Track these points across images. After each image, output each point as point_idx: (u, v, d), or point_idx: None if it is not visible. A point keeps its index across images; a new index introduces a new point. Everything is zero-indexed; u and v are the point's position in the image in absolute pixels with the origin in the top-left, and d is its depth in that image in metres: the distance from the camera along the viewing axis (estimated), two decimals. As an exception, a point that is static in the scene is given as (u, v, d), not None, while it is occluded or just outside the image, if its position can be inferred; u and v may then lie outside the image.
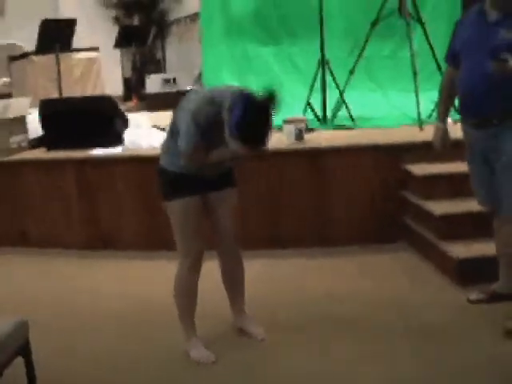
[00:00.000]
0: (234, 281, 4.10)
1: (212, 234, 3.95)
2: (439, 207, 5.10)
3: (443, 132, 4.27)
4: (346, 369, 3.67)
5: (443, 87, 4.29)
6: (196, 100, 3.60)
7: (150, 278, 5.21)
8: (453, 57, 4.12)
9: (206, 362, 3.82)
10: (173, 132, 3.69)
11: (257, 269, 4.93)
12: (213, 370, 3.77)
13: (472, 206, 4.77)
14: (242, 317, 4.15)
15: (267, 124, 3.43)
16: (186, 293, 3.88)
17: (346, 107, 6.64)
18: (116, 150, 5.94)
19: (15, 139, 6.31)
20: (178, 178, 3.71)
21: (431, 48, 6.69)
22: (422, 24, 6.66)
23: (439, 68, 6.75)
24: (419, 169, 5.41)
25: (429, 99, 6.74)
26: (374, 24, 6.67)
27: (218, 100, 3.55)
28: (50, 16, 9.55)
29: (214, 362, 3.82)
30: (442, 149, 4.30)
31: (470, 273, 4.64)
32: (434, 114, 6.58)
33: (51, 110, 6.38)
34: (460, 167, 5.33)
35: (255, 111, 3.40)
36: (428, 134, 5.76)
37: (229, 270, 4.07)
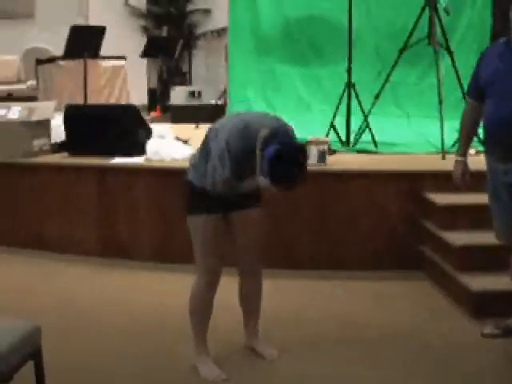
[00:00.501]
0: (250, 303, 4.05)
1: (233, 252, 3.92)
2: (459, 238, 5.06)
3: (463, 165, 4.25)
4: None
5: (464, 121, 4.28)
6: (231, 130, 3.57)
7: (160, 289, 5.19)
8: (476, 90, 4.09)
9: (217, 380, 3.76)
10: (204, 151, 3.68)
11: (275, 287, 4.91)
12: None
13: (492, 238, 4.74)
14: (254, 339, 4.10)
15: (300, 167, 3.45)
16: (201, 309, 3.85)
17: (370, 131, 6.62)
18: (137, 160, 5.94)
19: (38, 142, 6.32)
20: (204, 195, 3.68)
21: (458, 77, 6.67)
22: (451, 53, 6.64)
23: (464, 97, 6.73)
24: (440, 198, 5.37)
25: (453, 128, 6.70)
26: (402, 50, 6.66)
27: (253, 129, 3.54)
28: (79, 21, 9.62)
29: (224, 381, 3.76)
30: (461, 182, 4.28)
31: (486, 306, 4.60)
32: (458, 144, 6.58)
33: (75, 116, 6.41)
34: (481, 198, 5.28)
35: (289, 154, 3.40)
36: (450, 163, 5.74)
37: (246, 292, 4.03)
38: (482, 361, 4.06)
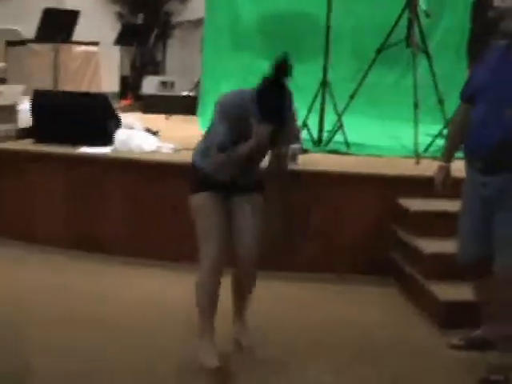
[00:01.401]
0: (241, 295, 4.08)
1: (232, 247, 3.89)
2: (429, 246, 4.98)
3: (446, 171, 4.07)
4: None
5: (454, 125, 4.12)
6: (225, 100, 3.70)
7: (128, 284, 5.07)
8: (470, 94, 3.91)
9: (208, 365, 3.76)
10: (207, 131, 3.80)
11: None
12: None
13: None
14: (237, 325, 4.13)
15: (281, 97, 3.57)
16: (207, 296, 3.81)
17: (343, 132, 6.52)
18: (105, 150, 5.79)
19: (2, 127, 6.15)
20: (205, 175, 3.76)
21: (435, 81, 6.61)
22: (429, 56, 6.58)
23: (440, 102, 6.69)
24: (413, 204, 5.29)
25: (427, 132, 6.67)
26: (379, 51, 6.58)
27: (247, 93, 3.63)
28: (55, 5, 9.41)
29: (216, 368, 3.75)
30: (443, 189, 4.17)
31: (454, 316, 4.52)
32: (431, 149, 6.51)
33: (44, 102, 6.24)
34: (456, 206, 5.24)
35: (268, 88, 3.53)
36: (424, 167, 5.71)
37: (240, 286, 4.05)
38: (447, 372, 4.00)
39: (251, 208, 3.87)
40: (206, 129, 3.88)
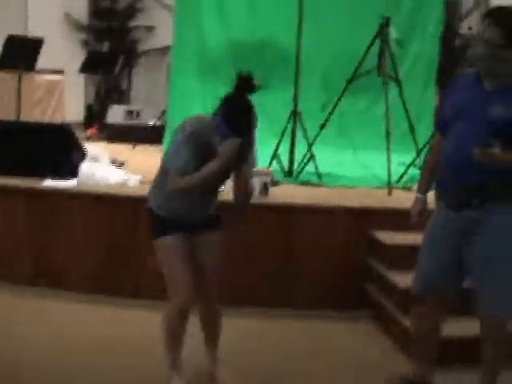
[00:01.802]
0: (210, 328, 4.05)
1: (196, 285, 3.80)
2: (403, 279, 4.84)
3: (422, 204, 3.93)
4: None
5: (430, 155, 3.98)
6: (193, 124, 3.61)
7: (87, 323, 4.87)
8: (444, 124, 3.78)
9: None
10: (163, 170, 3.69)
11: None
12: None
13: None
14: (210, 359, 4.09)
15: (248, 109, 3.51)
16: (175, 336, 3.79)
17: (314, 163, 6.39)
18: (70, 183, 5.59)
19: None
20: (164, 219, 3.71)
21: (405, 109, 6.55)
22: (400, 84, 6.51)
23: (412, 130, 6.63)
24: (386, 236, 5.17)
25: (399, 161, 6.59)
26: (350, 80, 6.51)
27: (211, 122, 3.56)
28: (18, 32, 9.23)
29: None
30: (418, 221, 4.03)
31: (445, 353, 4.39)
32: (404, 178, 6.43)
33: (4, 132, 6.02)
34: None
35: (234, 100, 3.52)
36: (396, 198, 5.62)
37: (209, 323, 4.04)
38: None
39: (212, 245, 3.85)
40: (162, 159, 3.76)
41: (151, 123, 8.87)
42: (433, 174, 3.93)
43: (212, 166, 3.49)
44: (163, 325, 3.78)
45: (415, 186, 6.05)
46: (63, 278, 5.42)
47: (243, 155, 3.52)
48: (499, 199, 3.54)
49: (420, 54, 7.95)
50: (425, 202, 3.95)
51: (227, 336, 4.32)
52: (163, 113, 8.42)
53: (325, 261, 5.31)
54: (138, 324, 4.80)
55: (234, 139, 3.42)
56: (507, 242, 3.58)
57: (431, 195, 3.93)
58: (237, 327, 4.78)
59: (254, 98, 7.30)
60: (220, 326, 4.04)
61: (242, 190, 3.70)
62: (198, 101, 7.64)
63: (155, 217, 3.76)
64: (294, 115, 6.50)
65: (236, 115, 3.47)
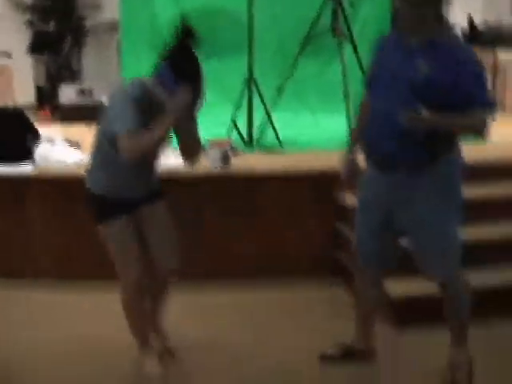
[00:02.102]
0: (157, 307, 4.01)
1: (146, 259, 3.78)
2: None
3: (351, 164, 3.84)
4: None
5: (360, 114, 3.87)
6: (133, 86, 3.53)
7: (56, 309, 4.77)
8: (370, 83, 3.71)
9: (153, 374, 3.79)
10: (99, 144, 3.56)
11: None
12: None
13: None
14: (160, 336, 4.07)
15: (194, 55, 3.47)
16: (136, 315, 3.78)
17: (274, 129, 6.31)
18: (25, 168, 5.43)
19: None
20: (105, 200, 3.63)
21: (362, 69, 6.47)
22: (354, 44, 6.43)
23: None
24: (353, 199, 5.10)
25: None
26: (304, 43, 6.41)
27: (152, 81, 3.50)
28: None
29: (159, 376, 3.78)
30: (349, 181, 3.91)
31: (406, 312, 4.38)
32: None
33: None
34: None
35: (178, 50, 3.46)
36: (360, 159, 5.56)
37: (156, 299, 3.99)
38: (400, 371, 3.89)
39: (158, 217, 3.78)
40: (97, 137, 3.61)
41: (105, 100, 8.68)
42: (362, 133, 3.85)
43: (165, 121, 3.37)
44: (123, 307, 3.75)
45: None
46: (22, 265, 5.29)
47: (195, 105, 3.44)
48: (427, 161, 3.46)
49: (371, 15, 7.86)
50: (354, 161, 3.85)
51: (196, 310, 4.28)
52: (117, 89, 8.24)
53: (292, 229, 5.25)
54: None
55: (184, 88, 3.33)
56: (438, 203, 3.51)
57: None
58: (204, 302, 4.74)
59: (208, 68, 7.20)
60: (165, 300, 4.01)
61: (195, 149, 3.65)
62: (150, 74, 7.47)
63: (98, 200, 3.65)
64: (249, 82, 6.39)
65: (183, 61, 3.42)
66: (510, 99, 8.69)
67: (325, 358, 4.02)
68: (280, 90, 6.45)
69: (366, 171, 3.75)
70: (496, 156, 5.75)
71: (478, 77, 3.41)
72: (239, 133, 6.34)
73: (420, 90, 3.34)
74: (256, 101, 6.42)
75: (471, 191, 5.17)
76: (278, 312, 4.76)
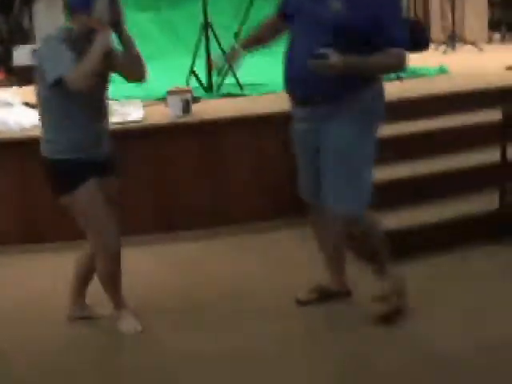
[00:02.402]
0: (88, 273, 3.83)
1: None
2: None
3: (237, 53, 3.80)
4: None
5: (261, 26, 3.85)
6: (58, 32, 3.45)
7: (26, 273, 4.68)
8: (282, 13, 3.64)
9: (134, 331, 3.71)
10: (45, 103, 3.43)
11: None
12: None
13: (378, 175, 4.56)
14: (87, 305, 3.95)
15: None
16: (114, 281, 3.67)
17: (233, 74, 6.21)
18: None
19: None
20: (67, 166, 3.41)
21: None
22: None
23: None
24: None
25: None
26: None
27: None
28: None
29: (141, 332, 3.70)
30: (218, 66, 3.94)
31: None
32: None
33: None
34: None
35: None
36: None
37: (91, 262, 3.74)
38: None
39: (112, 194, 3.64)
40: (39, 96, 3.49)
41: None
42: (258, 40, 3.90)
43: (99, 39, 3.29)
44: (102, 275, 3.64)
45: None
46: None
47: (117, 13, 3.39)
48: (343, 95, 3.38)
49: None
50: (239, 52, 3.85)
51: (167, 262, 4.24)
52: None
53: (258, 171, 5.21)
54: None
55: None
56: (354, 138, 3.44)
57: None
58: (172, 253, 4.71)
59: (162, 18, 7.02)
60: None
61: (137, 64, 3.51)
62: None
63: (61, 166, 3.45)
64: (206, 27, 6.28)
65: None
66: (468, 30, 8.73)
67: (301, 303, 3.99)
68: (237, 34, 6.33)
69: (292, 108, 3.70)
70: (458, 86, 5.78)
71: (393, 15, 3.35)
72: (198, 80, 6.24)
73: (332, 28, 3.26)
74: (214, 46, 6.31)
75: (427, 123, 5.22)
76: (253, 254, 4.74)
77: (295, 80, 3.48)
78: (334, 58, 3.19)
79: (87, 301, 3.93)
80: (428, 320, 3.70)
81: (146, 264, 4.59)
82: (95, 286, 3.82)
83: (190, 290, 4.27)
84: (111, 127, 4.86)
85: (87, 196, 3.47)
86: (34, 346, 3.72)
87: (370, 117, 3.49)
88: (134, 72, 3.58)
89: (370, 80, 3.44)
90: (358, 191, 3.51)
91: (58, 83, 3.25)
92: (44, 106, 3.48)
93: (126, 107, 5.38)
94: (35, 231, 5.12)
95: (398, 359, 3.36)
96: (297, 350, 3.54)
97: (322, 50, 3.19)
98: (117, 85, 6.81)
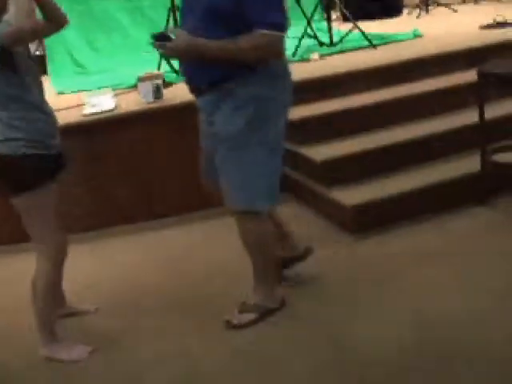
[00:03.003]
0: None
1: None
2: (318, 152, 4.72)
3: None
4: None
5: None
6: None
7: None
8: None
9: (85, 354, 3.40)
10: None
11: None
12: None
13: (352, 147, 4.50)
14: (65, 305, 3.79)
15: None
16: (52, 292, 3.41)
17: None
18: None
19: None
20: (38, 161, 3.18)
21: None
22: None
23: (297, 0, 6.45)
24: (290, 113, 4.96)
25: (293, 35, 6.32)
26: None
27: None
28: None
29: (91, 352, 3.41)
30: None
31: (363, 219, 4.31)
32: (299, 51, 6.20)
33: None
34: (331, 105, 5.01)
35: None
36: (294, 72, 5.42)
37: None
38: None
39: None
40: None
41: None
42: None
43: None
44: (43, 283, 3.32)
45: (312, 56, 5.93)
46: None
47: None
48: (220, 83, 3.20)
49: None
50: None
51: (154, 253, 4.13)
52: (41, 41, 7.94)
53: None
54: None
55: None
56: (239, 129, 3.21)
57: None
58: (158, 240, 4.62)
59: (131, 3, 6.80)
60: None
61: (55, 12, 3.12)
62: (74, 20, 7.16)
63: (19, 164, 3.16)
64: (173, 11, 6.16)
65: None
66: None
67: None
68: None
69: None
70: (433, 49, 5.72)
71: None
72: (170, 64, 6.13)
73: (202, 10, 3.10)
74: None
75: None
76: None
77: (184, 68, 3.36)
78: (179, 39, 3.06)
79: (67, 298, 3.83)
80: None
81: (134, 255, 4.53)
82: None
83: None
84: (86, 119, 4.88)
85: (42, 199, 3.25)
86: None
87: (261, 103, 3.20)
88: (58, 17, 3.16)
89: (255, 65, 3.17)
90: (247, 185, 3.28)
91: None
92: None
93: (98, 97, 5.28)
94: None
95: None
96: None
97: (168, 31, 3.09)
98: (87, 76, 6.83)
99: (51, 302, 3.41)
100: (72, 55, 7.12)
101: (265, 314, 3.50)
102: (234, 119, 3.20)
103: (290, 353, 3.21)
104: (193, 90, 3.36)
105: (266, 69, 3.19)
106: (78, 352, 3.42)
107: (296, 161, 4.93)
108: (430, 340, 3.14)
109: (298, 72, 5.41)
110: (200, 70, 3.21)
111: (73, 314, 3.82)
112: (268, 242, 3.48)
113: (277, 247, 3.65)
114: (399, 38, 6.51)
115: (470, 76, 4.84)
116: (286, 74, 3.35)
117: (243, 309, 3.51)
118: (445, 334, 3.17)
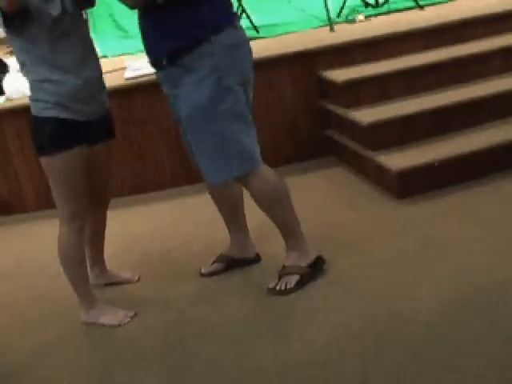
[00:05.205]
0: (101, 238, 3.71)
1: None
2: (364, 115, 4.63)
3: None
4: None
5: None
6: None
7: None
8: None
9: (125, 320, 3.40)
10: (17, 50, 3.08)
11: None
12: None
13: (398, 109, 4.40)
14: (107, 271, 3.81)
15: None
16: (79, 260, 3.36)
17: (247, 16, 6.02)
18: (-2, 100, 5.23)
19: None
20: (58, 126, 3.11)
21: None
22: None
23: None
24: (337, 74, 4.90)
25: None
26: None
27: None
28: None
29: (133, 316, 3.42)
30: None
31: (408, 183, 4.24)
32: (344, 12, 6.08)
33: None
34: (379, 67, 4.92)
35: None
36: (340, 34, 5.32)
37: (98, 229, 3.65)
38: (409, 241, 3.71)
39: (106, 159, 3.44)
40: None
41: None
42: None
43: None
44: (65, 252, 3.31)
45: (358, 17, 5.81)
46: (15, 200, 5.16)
47: None
48: (177, 59, 3.13)
49: None
50: None
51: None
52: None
53: (279, 115, 5.07)
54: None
55: None
56: (201, 101, 3.13)
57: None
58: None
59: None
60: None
61: None
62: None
63: (50, 125, 3.11)
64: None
65: None
66: None
67: (204, 275, 3.76)
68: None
69: None
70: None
71: None
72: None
73: None
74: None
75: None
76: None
77: (144, 43, 3.27)
78: None
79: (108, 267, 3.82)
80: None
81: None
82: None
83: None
84: (128, 82, 4.85)
85: (65, 164, 3.17)
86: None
87: (221, 73, 3.13)
88: None
89: (205, 34, 3.09)
90: (216, 161, 3.24)
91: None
92: (17, 55, 3.12)
93: (139, 61, 5.24)
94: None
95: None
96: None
97: None
98: (129, 39, 6.75)
99: (78, 268, 3.37)
100: (114, 19, 7.04)
101: (306, 272, 3.45)
102: (197, 92, 3.13)
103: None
104: (154, 63, 3.28)
105: (221, 39, 3.11)
106: (120, 317, 3.41)
107: (341, 124, 4.86)
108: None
109: (344, 33, 5.36)
110: (157, 43, 3.15)
111: (115, 283, 3.80)
112: (280, 195, 3.37)
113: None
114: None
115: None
116: (243, 42, 3.28)
117: (283, 272, 3.46)
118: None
